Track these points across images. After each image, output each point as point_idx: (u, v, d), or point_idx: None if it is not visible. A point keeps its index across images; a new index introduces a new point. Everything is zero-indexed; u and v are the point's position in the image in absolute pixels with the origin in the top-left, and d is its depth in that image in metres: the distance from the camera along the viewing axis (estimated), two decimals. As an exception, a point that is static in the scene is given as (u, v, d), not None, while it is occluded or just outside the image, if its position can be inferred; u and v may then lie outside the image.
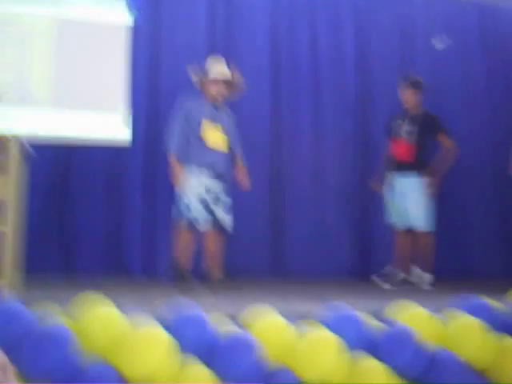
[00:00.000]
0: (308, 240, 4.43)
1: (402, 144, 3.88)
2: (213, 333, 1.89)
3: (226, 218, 3.53)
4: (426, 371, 1.92)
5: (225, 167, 3.59)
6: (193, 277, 3.45)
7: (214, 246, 3.55)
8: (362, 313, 2.12)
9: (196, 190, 3.45)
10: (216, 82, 3.56)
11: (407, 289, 3.63)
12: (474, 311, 2.19)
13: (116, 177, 4.19)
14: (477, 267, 4.57)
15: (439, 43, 4.85)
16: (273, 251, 4.36)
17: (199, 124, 3.53)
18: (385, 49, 4.82)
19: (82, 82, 4.15)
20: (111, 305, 1.87)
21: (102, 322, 1.81)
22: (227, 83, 3.61)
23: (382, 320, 2.16)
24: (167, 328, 1.84)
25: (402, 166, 3.87)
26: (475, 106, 4.93)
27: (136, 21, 4.24)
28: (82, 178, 4.11)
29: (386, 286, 3.76)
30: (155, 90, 4.27)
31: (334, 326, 1.99)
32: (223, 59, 3.71)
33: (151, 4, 4.33)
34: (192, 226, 3.45)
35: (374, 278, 3.90)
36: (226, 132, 3.62)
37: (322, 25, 4.75)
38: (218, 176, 3.53)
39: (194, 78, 3.64)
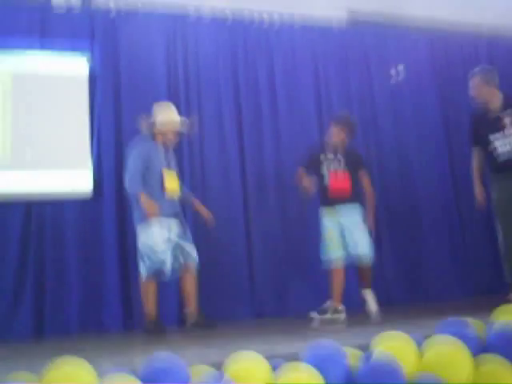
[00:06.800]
0: (280, 280, 4.43)
1: (339, 176, 3.96)
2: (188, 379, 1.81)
3: (192, 248, 3.62)
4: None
5: (179, 209, 3.73)
6: (163, 326, 3.47)
7: (187, 285, 3.58)
8: (345, 347, 2.08)
9: (158, 232, 3.51)
10: (169, 127, 3.68)
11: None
12: (453, 333, 2.18)
13: (88, 232, 4.13)
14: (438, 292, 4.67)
15: (394, 74, 5.04)
16: (248, 293, 4.33)
17: (159, 173, 3.60)
18: (343, 84, 4.98)
19: (43, 137, 4.15)
20: (84, 363, 1.78)
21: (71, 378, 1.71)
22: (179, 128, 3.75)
23: (365, 351, 2.13)
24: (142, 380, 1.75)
25: (342, 198, 3.92)
26: (431, 136, 5.12)
27: (95, 70, 4.30)
28: (50, 236, 4.04)
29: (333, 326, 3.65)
30: (119, 138, 4.29)
31: (316, 363, 1.93)
32: (171, 104, 3.82)
33: (110, 53, 4.40)
34: (157, 271, 3.47)
35: (314, 315, 3.73)
36: (177, 175, 3.76)
37: (280, 68, 4.88)
38: (176, 215, 3.65)
39: (144, 127, 3.73)
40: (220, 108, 4.62)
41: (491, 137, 3.79)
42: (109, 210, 4.15)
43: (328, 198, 3.99)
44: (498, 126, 3.76)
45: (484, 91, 3.82)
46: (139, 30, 4.48)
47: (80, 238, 4.10)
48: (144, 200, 3.44)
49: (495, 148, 3.78)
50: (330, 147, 4.05)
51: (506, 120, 3.73)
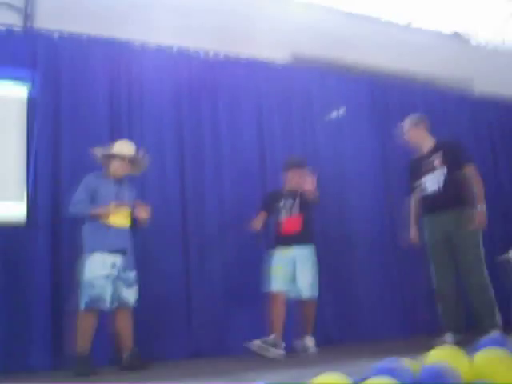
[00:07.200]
0: (219, 319, 4.35)
1: (293, 219, 4.11)
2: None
3: (129, 293, 3.52)
4: None
5: (128, 242, 3.62)
6: (93, 364, 3.34)
7: (121, 324, 3.50)
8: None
9: (100, 266, 3.43)
10: (117, 158, 3.68)
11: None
12: (389, 373, 2.20)
13: (19, 263, 3.91)
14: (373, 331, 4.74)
15: (335, 115, 5.22)
16: (184, 332, 4.22)
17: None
18: (285, 122, 5.06)
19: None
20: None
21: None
22: (129, 160, 3.73)
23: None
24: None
25: (292, 239, 4.05)
26: (370, 176, 5.27)
27: (34, 95, 4.16)
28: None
29: (271, 355, 3.69)
30: (57, 167, 4.14)
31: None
32: (128, 141, 3.84)
33: (51, 78, 4.26)
34: (94, 305, 3.37)
35: (256, 345, 3.74)
36: (130, 206, 3.67)
37: (223, 104, 4.90)
38: (122, 251, 3.55)
39: (97, 154, 3.70)
40: (162, 139, 4.55)
41: (423, 179, 3.97)
42: (43, 241, 3.95)
43: (281, 239, 4.11)
44: (428, 167, 3.94)
45: (414, 135, 4.05)
46: (82, 55, 4.38)
47: (9, 269, 3.86)
48: (99, 208, 3.46)
49: (425, 189, 3.95)
50: (289, 193, 4.16)
51: (436, 162, 3.92)
